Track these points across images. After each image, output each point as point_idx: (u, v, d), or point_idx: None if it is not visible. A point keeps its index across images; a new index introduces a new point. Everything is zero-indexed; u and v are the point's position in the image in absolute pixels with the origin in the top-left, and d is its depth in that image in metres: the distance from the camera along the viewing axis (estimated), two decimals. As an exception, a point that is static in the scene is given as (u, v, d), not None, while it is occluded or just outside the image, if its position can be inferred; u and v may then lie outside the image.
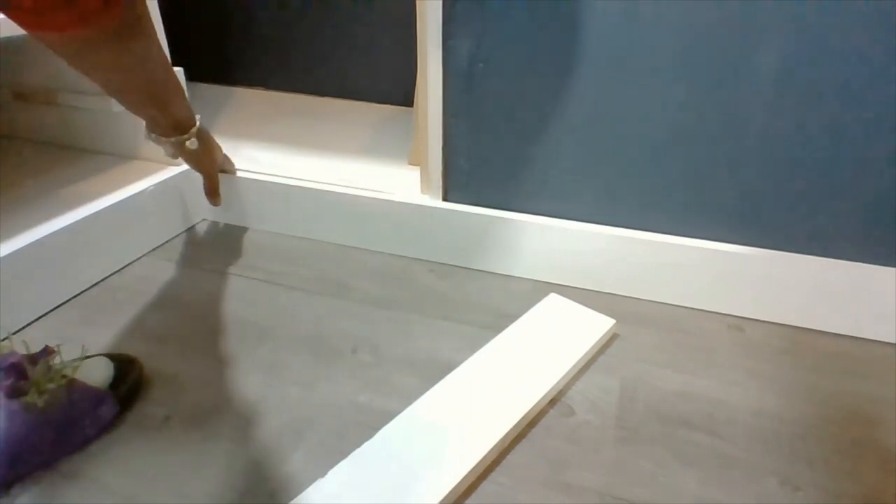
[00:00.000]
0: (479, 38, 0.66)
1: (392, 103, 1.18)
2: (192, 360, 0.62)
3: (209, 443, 0.52)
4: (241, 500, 0.47)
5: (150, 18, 0.54)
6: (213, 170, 0.78)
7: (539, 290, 0.74)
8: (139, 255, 0.80)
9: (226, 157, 0.83)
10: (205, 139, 0.72)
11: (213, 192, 0.80)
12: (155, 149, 0.72)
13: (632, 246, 0.70)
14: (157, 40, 0.56)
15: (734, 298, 0.70)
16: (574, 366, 0.60)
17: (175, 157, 0.74)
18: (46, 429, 0.48)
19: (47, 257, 0.67)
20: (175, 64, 0.81)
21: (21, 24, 0.45)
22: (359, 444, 0.49)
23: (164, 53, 0.59)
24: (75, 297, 0.71)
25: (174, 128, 0.67)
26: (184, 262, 0.80)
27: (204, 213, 0.91)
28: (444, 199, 0.78)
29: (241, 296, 0.73)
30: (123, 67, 0.55)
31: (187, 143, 0.69)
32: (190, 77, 0.85)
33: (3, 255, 0.62)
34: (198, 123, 0.70)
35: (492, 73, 0.67)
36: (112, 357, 0.56)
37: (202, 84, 1.26)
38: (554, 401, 0.57)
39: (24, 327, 0.66)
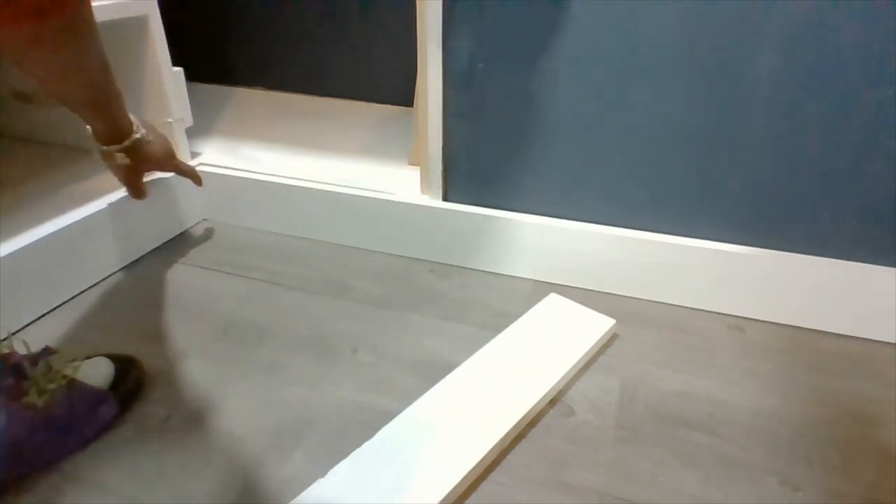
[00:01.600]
0: (479, 38, 0.66)
1: (392, 103, 1.18)
2: (192, 360, 0.62)
3: (209, 443, 0.52)
4: (241, 500, 0.47)
5: (93, 16, 0.52)
6: (137, 184, 0.73)
7: (539, 290, 0.74)
8: (139, 255, 0.80)
9: (185, 166, 0.78)
10: (140, 153, 0.68)
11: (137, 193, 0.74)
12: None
13: (632, 246, 0.70)
14: (100, 40, 0.54)
15: (734, 298, 0.70)
16: (574, 366, 0.60)
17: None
18: (46, 429, 0.48)
19: (47, 257, 0.67)
20: (175, 64, 0.81)
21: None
22: (359, 444, 0.49)
23: (104, 54, 0.56)
24: (75, 297, 0.71)
25: (110, 135, 0.64)
26: (184, 262, 0.80)
27: (204, 213, 0.91)
28: (444, 199, 0.78)
29: (241, 296, 0.73)
30: (68, 66, 0.53)
31: (117, 155, 0.66)
32: (190, 77, 0.85)
33: (3, 255, 0.62)
34: (134, 137, 0.66)
35: (492, 73, 0.67)
36: (112, 357, 0.56)
37: (202, 84, 1.26)
38: (554, 401, 0.57)
39: (24, 327, 0.66)
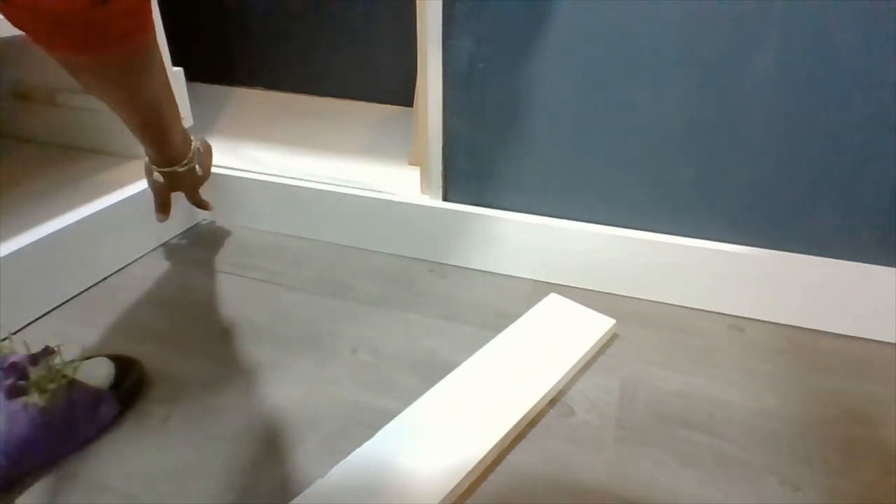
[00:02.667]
0: (479, 38, 0.66)
1: (392, 103, 1.18)
2: (192, 360, 0.62)
3: (209, 443, 0.52)
4: (241, 500, 0.47)
5: (154, 57, 0.54)
6: (166, 200, 0.75)
7: (539, 290, 0.74)
8: (139, 255, 0.80)
9: (197, 199, 0.79)
10: (176, 180, 0.72)
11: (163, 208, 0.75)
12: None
13: (632, 246, 0.70)
14: (159, 80, 0.57)
15: (734, 298, 0.70)
16: (574, 366, 0.60)
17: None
18: (46, 429, 0.48)
19: (47, 257, 0.67)
20: (175, 64, 0.81)
21: (42, 45, 0.44)
22: (359, 444, 0.49)
23: (165, 92, 0.59)
24: (75, 297, 0.71)
25: (157, 159, 0.68)
26: (184, 262, 0.80)
27: (204, 213, 0.91)
28: (444, 199, 0.78)
29: (241, 296, 0.73)
30: (117, 95, 0.55)
31: (151, 171, 0.69)
32: (190, 77, 0.85)
33: (3, 255, 0.62)
34: (175, 169, 0.69)
35: (492, 73, 0.67)
36: (112, 357, 0.56)
37: (202, 84, 1.26)
38: (554, 401, 0.57)
39: (24, 327, 0.66)
